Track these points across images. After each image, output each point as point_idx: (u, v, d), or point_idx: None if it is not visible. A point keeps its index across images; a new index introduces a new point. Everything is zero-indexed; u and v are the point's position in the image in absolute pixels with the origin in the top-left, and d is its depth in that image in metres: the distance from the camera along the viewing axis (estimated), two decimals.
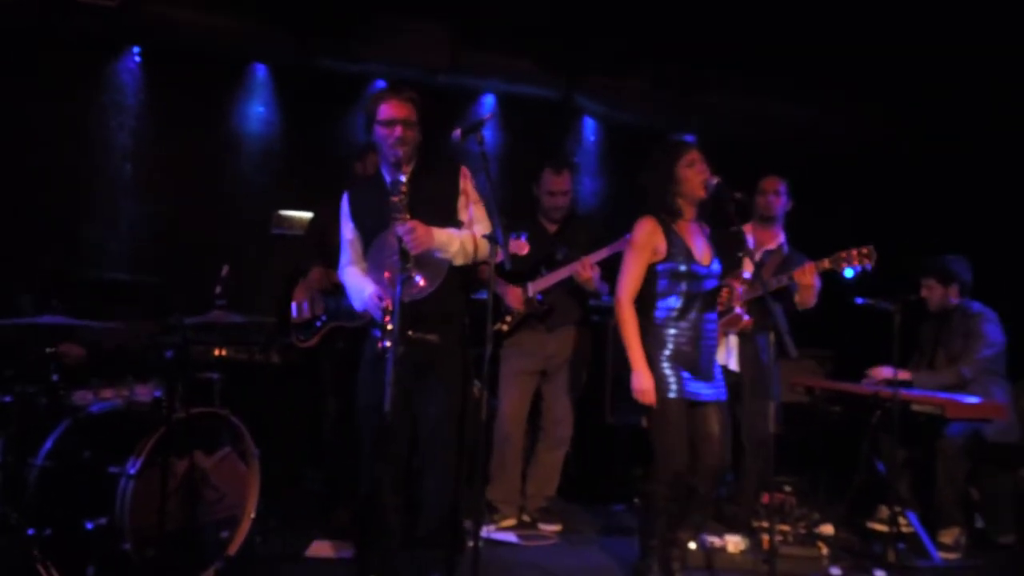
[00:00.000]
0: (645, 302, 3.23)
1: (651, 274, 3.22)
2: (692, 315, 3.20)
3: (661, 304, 3.21)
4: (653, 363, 3.16)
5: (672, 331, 3.19)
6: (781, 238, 4.14)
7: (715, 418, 3.22)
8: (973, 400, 3.89)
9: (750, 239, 4.10)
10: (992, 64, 4.96)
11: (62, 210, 4.79)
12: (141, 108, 5.08)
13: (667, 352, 3.17)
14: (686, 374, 3.17)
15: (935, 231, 5.12)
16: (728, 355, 3.98)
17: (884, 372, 4.21)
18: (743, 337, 4.01)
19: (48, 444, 3.08)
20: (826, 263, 3.60)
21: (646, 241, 3.21)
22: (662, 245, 3.20)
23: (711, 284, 3.28)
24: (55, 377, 3.24)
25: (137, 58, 5.06)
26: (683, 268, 3.19)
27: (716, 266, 3.31)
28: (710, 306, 3.28)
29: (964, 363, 4.16)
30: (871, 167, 5.82)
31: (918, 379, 4.18)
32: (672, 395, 3.13)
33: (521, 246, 3.66)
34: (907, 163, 5.73)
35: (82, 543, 2.88)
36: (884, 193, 5.75)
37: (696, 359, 3.20)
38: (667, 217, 3.25)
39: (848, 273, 3.57)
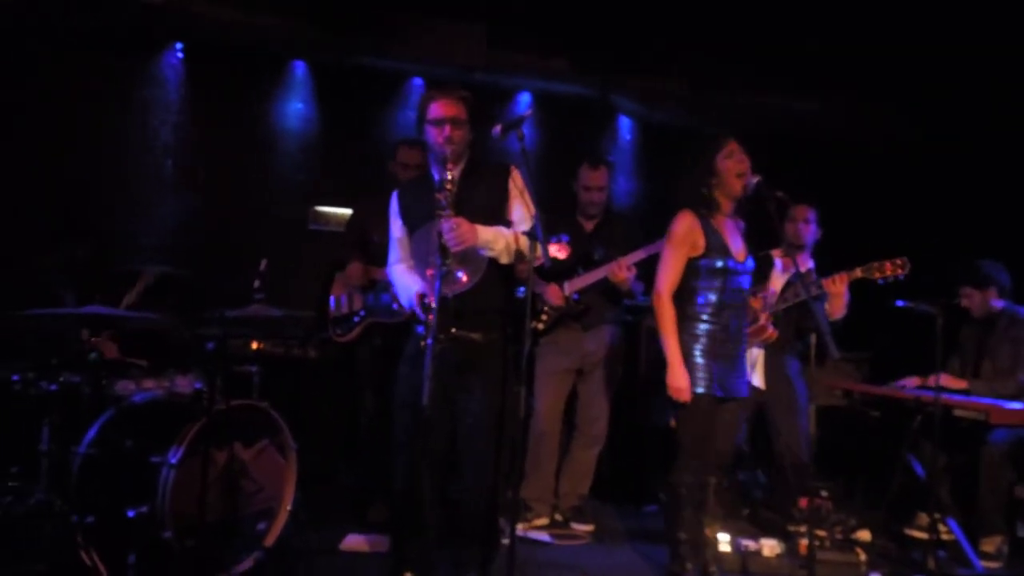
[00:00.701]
0: (682, 297, 3.23)
1: (689, 269, 3.21)
2: (727, 311, 3.20)
3: (698, 299, 3.20)
4: (687, 357, 3.16)
5: (707, 326, 3.19)
6: (810, 264, 4.14)
7: (735, 411, 3.31)
8: (1018, 406, 3.81)
9: (778, 263, 4.11)
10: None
11: (105, 205, 4.86)
12: (182, 104, 5.15)
13: (700, 347, 3.17)
14: (718, 369, 3.17)
15: (974, 234, 5.03)
16: (751, 370, 3.95)
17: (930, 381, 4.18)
18: (769, 351, 3.98)
19: (91, 433, 3.14)
20: (858, 272, 3.62)
21: (685, 235, 3.19)
22: (701, 240, 3.19)
23: (746, 281, 3.28)
24: (96, 367, 3.29)
25: (179, 54, 5.13)
26: (719, 264, 3.18)
27: (751, 263, 3.31)
28: (744, 303, 3.29)
29: (1023, 371, 4.08)
30: (912, 168, 5.73)
31: (974, 387, 4.13)
32: (702, 390, 3.14)
33: (562, 248, 3.65)
34: (951, 164, 5.63)
35: (124, 531, 2.91)
36: (928, 192, 5.66)
37: (728, 354, 3.20)
38: (705, 212, 3.24)
39: (880, 281, 3.63)
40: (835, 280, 3.63)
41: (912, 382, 4.27)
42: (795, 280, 3.96)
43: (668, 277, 3.20)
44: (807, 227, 4.12)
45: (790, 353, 4.05)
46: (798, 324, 3.98)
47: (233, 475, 3.13)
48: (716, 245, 3.19)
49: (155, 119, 5.11)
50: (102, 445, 3.11)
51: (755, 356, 3.99)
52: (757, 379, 3.96)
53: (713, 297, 3.19)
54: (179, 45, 5.12)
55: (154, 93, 5.11)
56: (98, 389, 3.27)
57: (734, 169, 3.19)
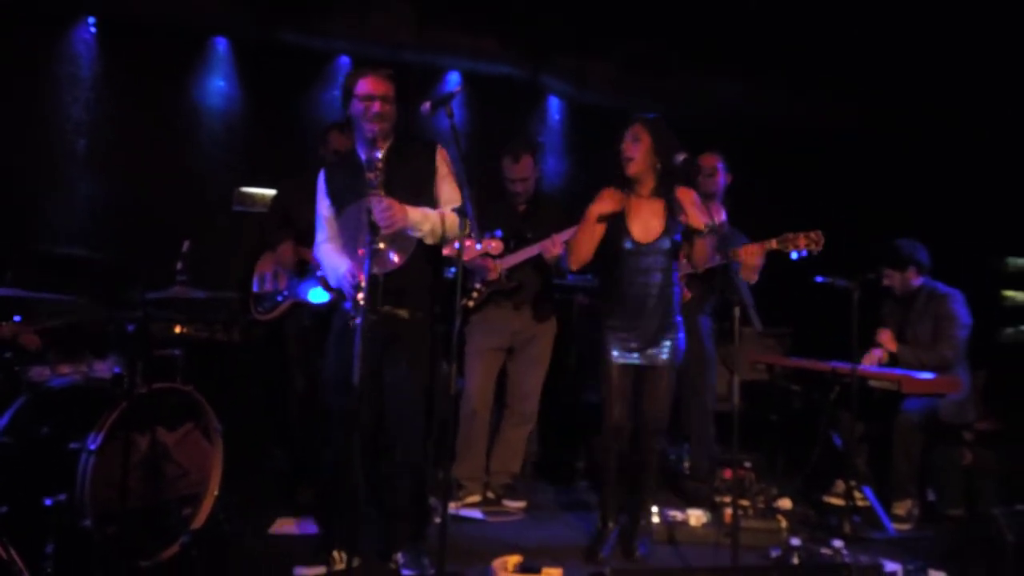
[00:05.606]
0: (603, 274, 3.48)
1: (602, 245, 3.41)
2: (636, 286, 3.38)
3: (612, 276, 3.42)
4: (601, 329, 3.41)
5: (619, 301, 3.41)
6: (722, 215, 4.14)
7: (658, 379, 3.42)
8: (928, 376, 4.00)
9: None
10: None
11: (17, 184, 4.65)
12: (96, 81, 4.94)
13: (613, 320, 3.42)
14: (628, 340, 3.39)
15: (896, 215, 5.23)
16: None
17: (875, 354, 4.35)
18: (683, 311, 4.04)
19: (4, 420, 3.01)
20: (774, 243, 3.63)
21: (594, 209, 3.40)
22: (609, 217, 3.38)
23: (655, 259, 3.39)
24: (8, 354, 3.17)
25: (92, 29, 4.92)
26: (624, 244, 3.38)
27: (664, 242, 3.39)
28: (658, 278, 3.39)
29: (945, 346, 4.21)
30: (834, 149, 5.92)
31: (902, 352, 4.30)
32: (611, 358, 3.41)
33: (496, 244, 3.69)
34: (869, 146, 5.84)
35: (41, 520, 2.80)
36: (846, 174, 5.87)
37: (640, 327, 3.38)
38: (624, 192, 3.41)
39: (793, 255, 3.60)
40: (750, 251, 3.68)
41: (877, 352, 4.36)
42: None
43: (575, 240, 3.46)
44: (715, 176, 4.24)
45: (702, 313, 4.20)
46: (720, 290, 4.06)
47: (156, 460, 3.05)
48: (619, 225, 3.38)
49: (67, 96, 4.89)
50: (15, 432, 2.99)
51: None
52: None
53: (621, 274, 3.40)
54: (91, 20, 4.91)
55: (65, 69, 4.88)
56: (11, 375, 3.14)
57: (623, 152, 3.37)
